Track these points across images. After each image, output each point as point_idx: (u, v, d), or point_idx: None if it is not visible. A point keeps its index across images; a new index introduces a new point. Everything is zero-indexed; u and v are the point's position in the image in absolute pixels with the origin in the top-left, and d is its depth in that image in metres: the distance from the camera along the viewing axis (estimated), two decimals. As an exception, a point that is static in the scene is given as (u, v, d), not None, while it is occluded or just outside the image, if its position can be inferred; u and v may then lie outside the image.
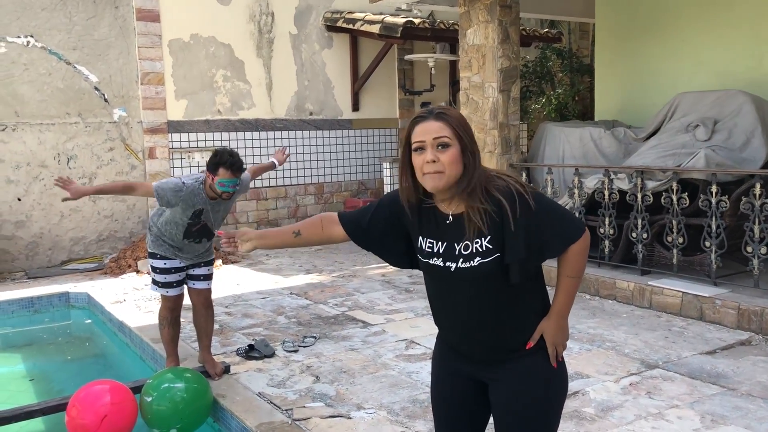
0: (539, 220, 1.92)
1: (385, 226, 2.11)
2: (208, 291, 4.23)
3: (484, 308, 2.02)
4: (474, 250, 1.94)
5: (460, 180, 1.92)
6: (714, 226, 5.39)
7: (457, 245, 1.96)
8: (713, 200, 5.36)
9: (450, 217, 1.99)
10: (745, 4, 7.06)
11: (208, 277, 4.19)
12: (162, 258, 4.03)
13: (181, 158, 8.90)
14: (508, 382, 2.06)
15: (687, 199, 5.58)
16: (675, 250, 5.71)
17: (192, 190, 3.85)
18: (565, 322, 2.09)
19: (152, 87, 8.61)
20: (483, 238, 1.93)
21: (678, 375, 4.15)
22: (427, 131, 1.90)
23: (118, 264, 7.78)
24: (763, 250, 5.15)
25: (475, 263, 1.94)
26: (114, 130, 8.44)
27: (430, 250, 2.02)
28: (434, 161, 1.89)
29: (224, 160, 3.76)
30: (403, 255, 2.15)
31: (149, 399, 3.69)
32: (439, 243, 2.00)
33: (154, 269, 4.07)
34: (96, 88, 8.27)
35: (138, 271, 7.57)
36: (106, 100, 8.34)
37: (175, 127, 8.82)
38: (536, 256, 1.96)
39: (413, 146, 1.94)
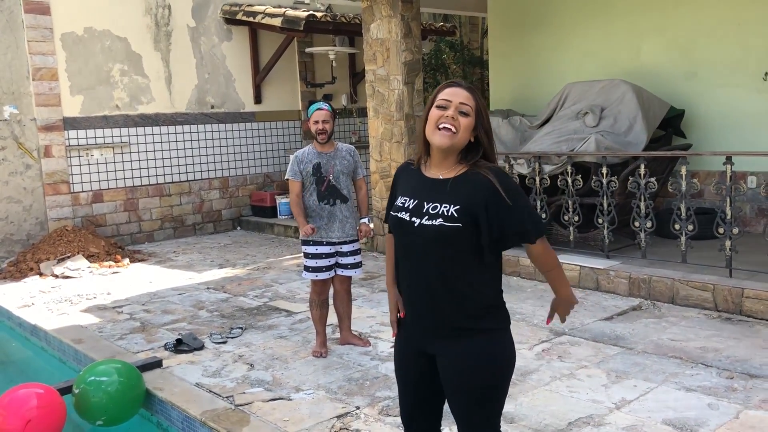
0: (509, 208, 2.11)
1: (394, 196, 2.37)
2: (351, 278, 4.67)
3: (439, 272, 2.15)
4: (440, 212, 2.12)
5: (470, 149, 2.18)
6: (605, 205, 5.91)
7: (427, 204, 2.17)
8: (604, 181, 5.88)
9: (434, 179, 2.20)
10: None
11: (356, 266, 4.59)
12: (314, 244, 4.48)
13: (80, 156, 8.60)
14: (456, 361, 2.18)
15: (581, 180, 6.07)
16: (572, 228, 6.21)
17: (304, 151, 4.50)
18: (570, 298, 2.34)
19: (45, 83, 8.27)
20: (452, 205, 2.13)
21: (583, 339, 4.59)
22: (456, 95, 2.16)
23: (18, 268, 7.44)
24: (649, 224, 5.72)
25: (437, 223, 2.12)
26: (5, 129, 8.04)
27: (401, 205, 2.24)
28: (453, 118, 2.13)
29: (310, 102, 4.39)
30: None
31: (79, 390, 3.75)
32: (411, 200, 2.22)
33: (306, 255, 4.50)
34: (-17, 85, 7.86)
35: (41, 274, 7.29)
36: (-5, 97, 7.94)
37: (71, 123, 8.51)
38: (498, 242, 2.16)
39: (438, 102, 2.17)
